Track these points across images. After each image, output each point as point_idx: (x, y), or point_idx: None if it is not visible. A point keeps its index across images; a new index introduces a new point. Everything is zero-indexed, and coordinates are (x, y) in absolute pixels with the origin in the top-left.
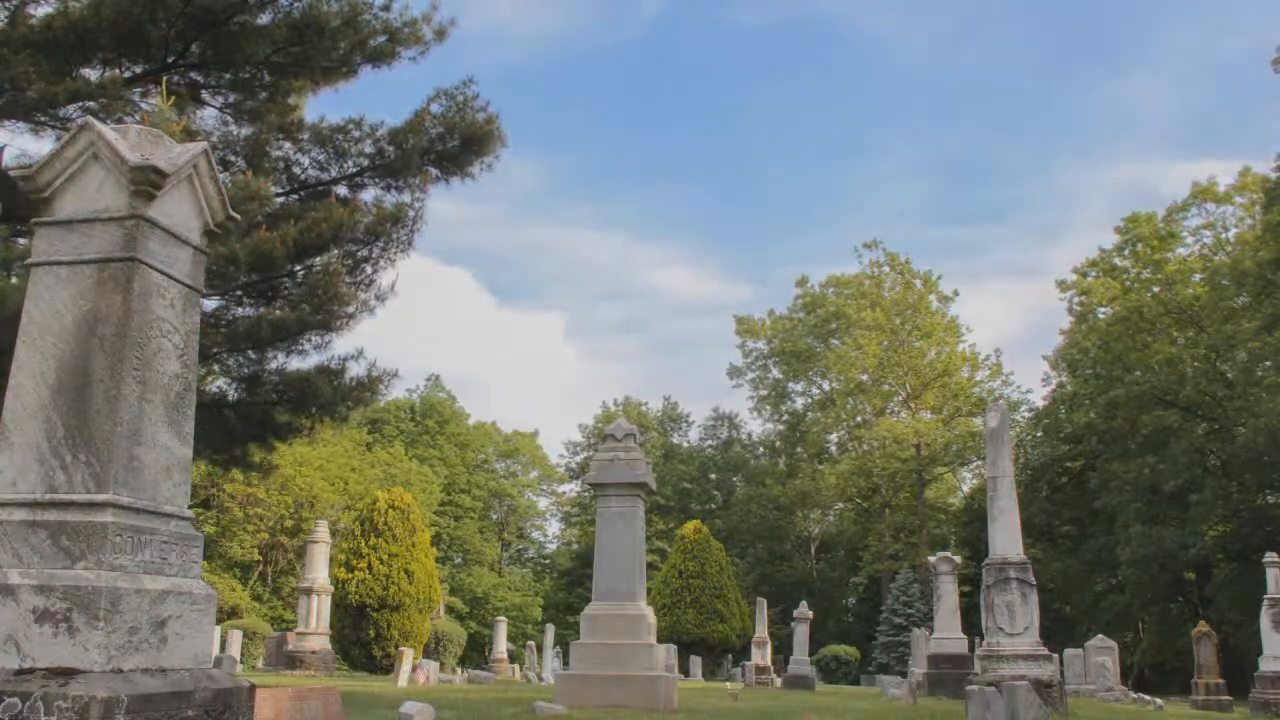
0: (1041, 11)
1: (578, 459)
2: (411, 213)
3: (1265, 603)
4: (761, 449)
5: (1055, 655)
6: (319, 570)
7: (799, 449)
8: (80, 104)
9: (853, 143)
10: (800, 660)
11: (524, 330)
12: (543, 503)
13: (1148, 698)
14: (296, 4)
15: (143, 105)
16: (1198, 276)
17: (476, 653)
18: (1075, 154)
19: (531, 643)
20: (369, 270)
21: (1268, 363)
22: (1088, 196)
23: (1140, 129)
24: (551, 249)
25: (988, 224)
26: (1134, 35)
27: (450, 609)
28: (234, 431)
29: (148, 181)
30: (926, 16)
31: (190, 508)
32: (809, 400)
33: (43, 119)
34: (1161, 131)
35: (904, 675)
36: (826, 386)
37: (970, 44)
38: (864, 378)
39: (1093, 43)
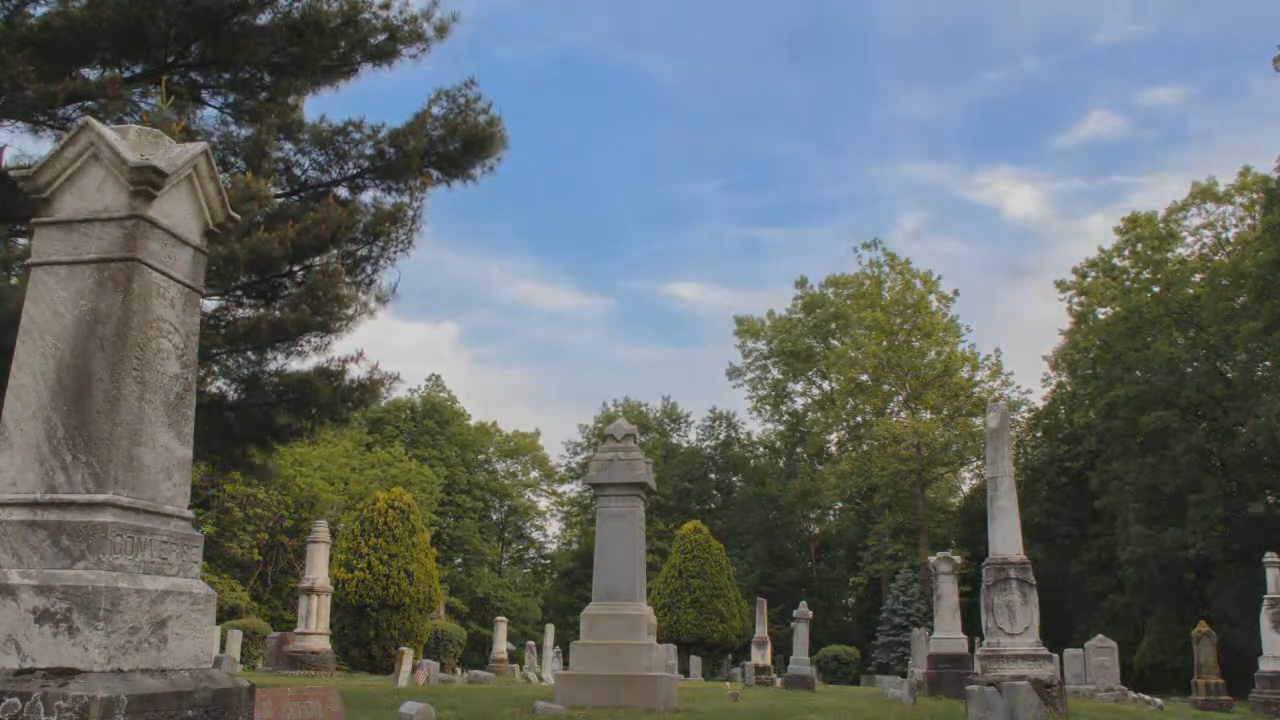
0: None
1: (578, 459)
2: (411, 213)
3: (1265, 603)
4: (761, 449)
5: (1055, 655)
6: (319, 570)
7: (799, 449)
8: (80, 104)
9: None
10: (800, 660)
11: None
12: (543, 503)
13: (1148, 698)
14: (296, 3)
15: (143, 105)
16: (1198, 277)
17: (476, 653)
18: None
19: (531, 643)
20: (369, 271)
21: (1268, 363)
22: None
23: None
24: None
25: None
26: None
27: (450, 609)
28: (234, 432)
29: (147, 182)
30: None
31: (190, 508)
32: (809, 400)
33: (42, 119)
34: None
35: (904, 675)
36: (826, 386)
37: None
38: (864, 378)
39: None
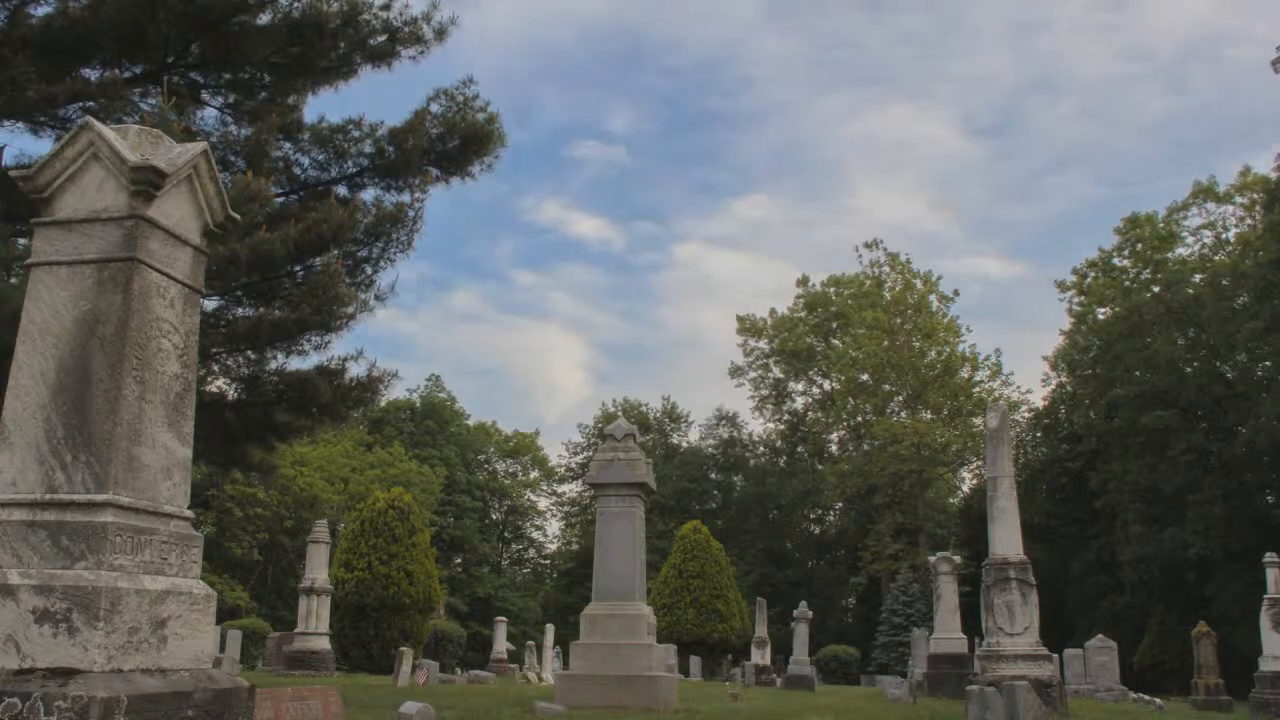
0: None
1: (578, 459)
2: (411, 213)
3: (1265, 603)
4: (762, 448)
5: (1055, 655)
6: (319, 570)
7: (799, 449)
8: (80, 104)
9: None
10: (800, 660)
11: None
12: (543, 503)
13: (1148, 698)
14: (296, 4)
15: (143, 105)
16: (1198, 277)
17: (476, 653)
18: None
19: (531, 643)
20: (369, 271)
21: (1268, 363)
22: None
23: None
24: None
25: None
26: None
27: (450, 609)
28: (234, 432)
29: (147, 181)
30: None
31: (190, 508)
32: (809, 400)
33: (43, 119)
34: None
35: (904, 675)
36: (827, 386)
37: None
38: (864, 378)
39: None
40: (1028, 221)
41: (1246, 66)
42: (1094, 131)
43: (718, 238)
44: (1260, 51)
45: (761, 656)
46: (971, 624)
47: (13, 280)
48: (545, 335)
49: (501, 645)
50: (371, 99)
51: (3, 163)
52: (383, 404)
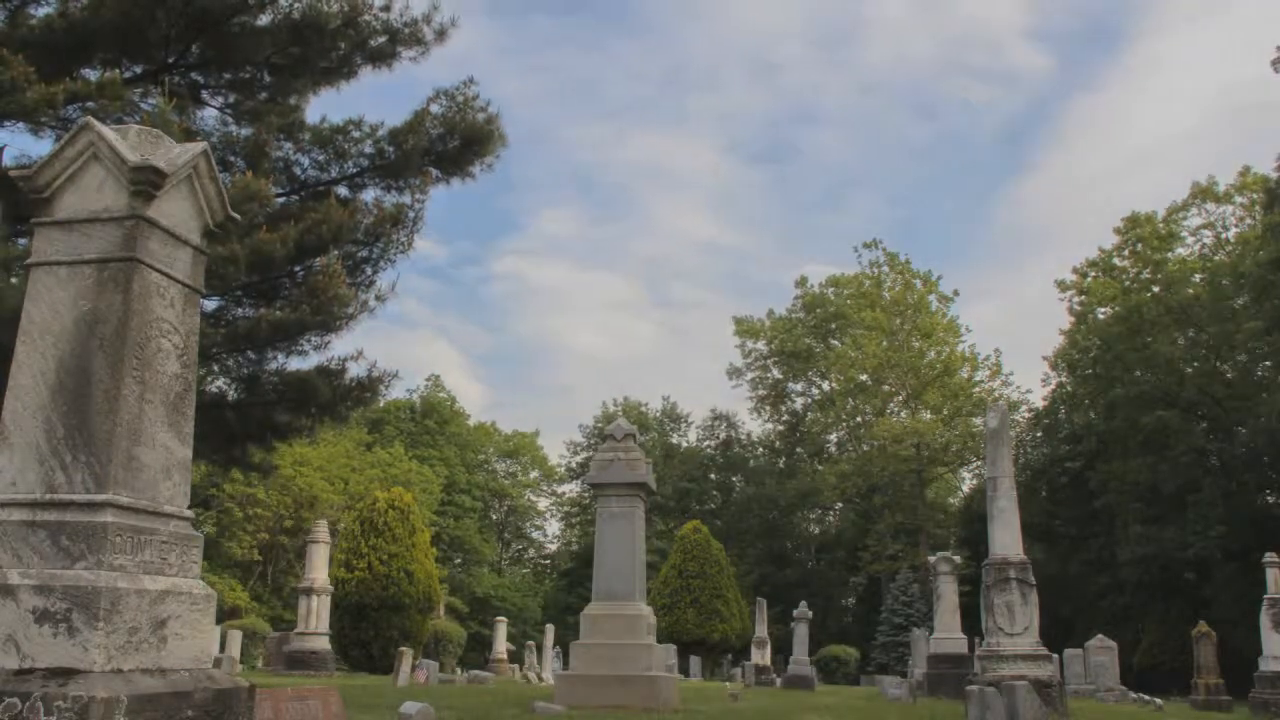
0: None
1: (578, 459)
2: (411, 213)
3: (1265, 603)
4: (761, 449)
5: (1055, 655)
6: (319, 570)
7: (799, 449)
8: (80, 104)
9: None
10: (800, 660)
11: None
12: (543, 503)
13: (1148, 698)
14: (296, 4)
15: (143, 105)
16: (1198, 277)
17: (476, 653)
18: None
19: (531, 643)
20: (369, 271)
21: (1268, 363)
22: None
23: None
24: None
25: None
26: None
27: (450, 609)
28: (234, 432)
29: (148, 182)
30: None
31: (190, 508)
32: (809, 400)
33: (43, 119)
34: None
35: (904, 675)
36: (826, 386)
37: None
38: (864, 378)
39: None
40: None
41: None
42: (858, 156)
43: (530, 250)
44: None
45: (761, 656)
46: (971, 624)
47: (13, 280)
48: (421, 343)
49: (501, 645)
50: (372, 99)
51: (3, 163)
52: (382, 404)
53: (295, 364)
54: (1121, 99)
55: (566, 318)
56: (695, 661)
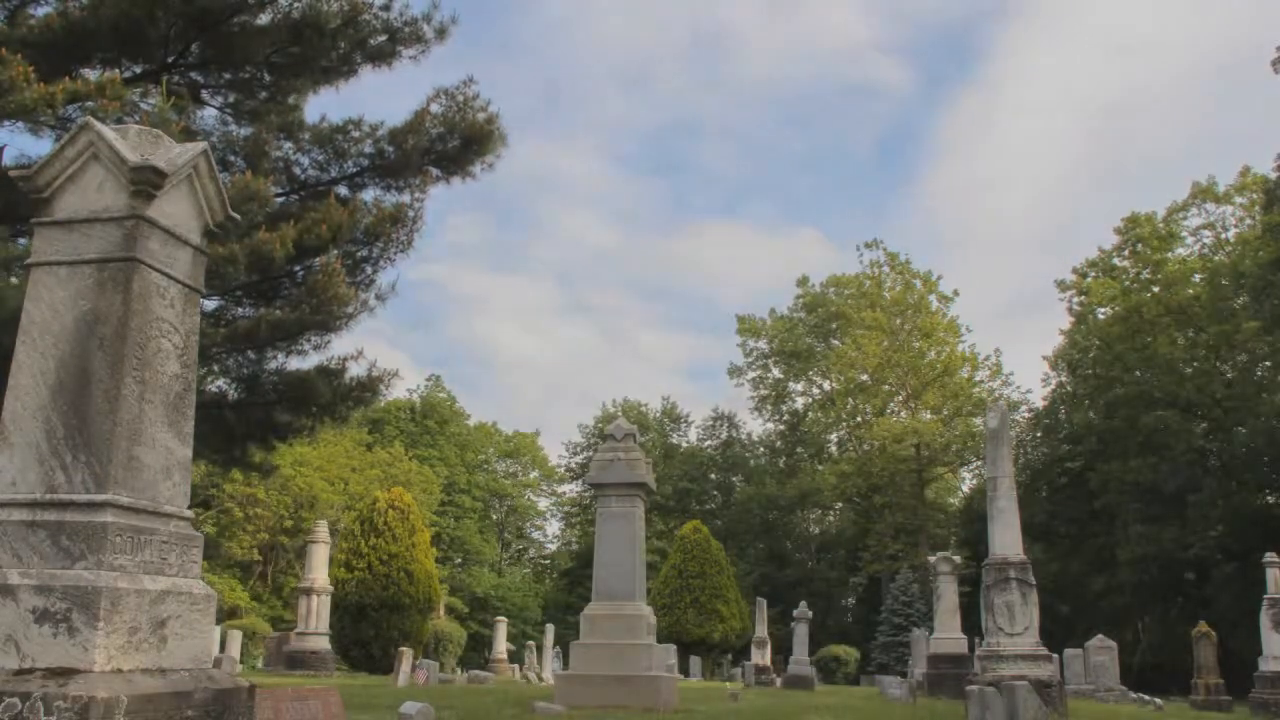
0: None
1: (578, 459)
2: (411, 213)
3: (1265, 603)
4: (761, 449)
5: (1055, 655)
6: (319, 570)
7: (799, 449)
8: (80, 104)
9: None
10: (800, 660)
11: None
12: (543, 503)
13: (1148, 698)
14: (296, 4)
15: (143, 105)
16: (1197, 277)
17: (476, 653)
18: None
19: (531, 643)
20: (369, 270)
21: (1267, 363)
22: None
23: None
24: None
25: None
26: None
27: (450, 609)
28: (234, 431)
29: (147, 181)
30: None
31: (190, 508)
32: (809, 400)
33: (42, 119)
34: None
35: (904, 675)
36: (826, 386)
37: None
38: (864, 378)
39: None
40: None
41: None
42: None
43: (440, 257)
44: None
45: (761, 656)
46: (971, 624)
47: (13, 280)
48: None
49: (501, 645)
50: (372, 99)
51: (3, 163)
52: (382, 404)
53: (295, 364)
54: (985, 109)
55: (493, 321)
56: (695, 661)
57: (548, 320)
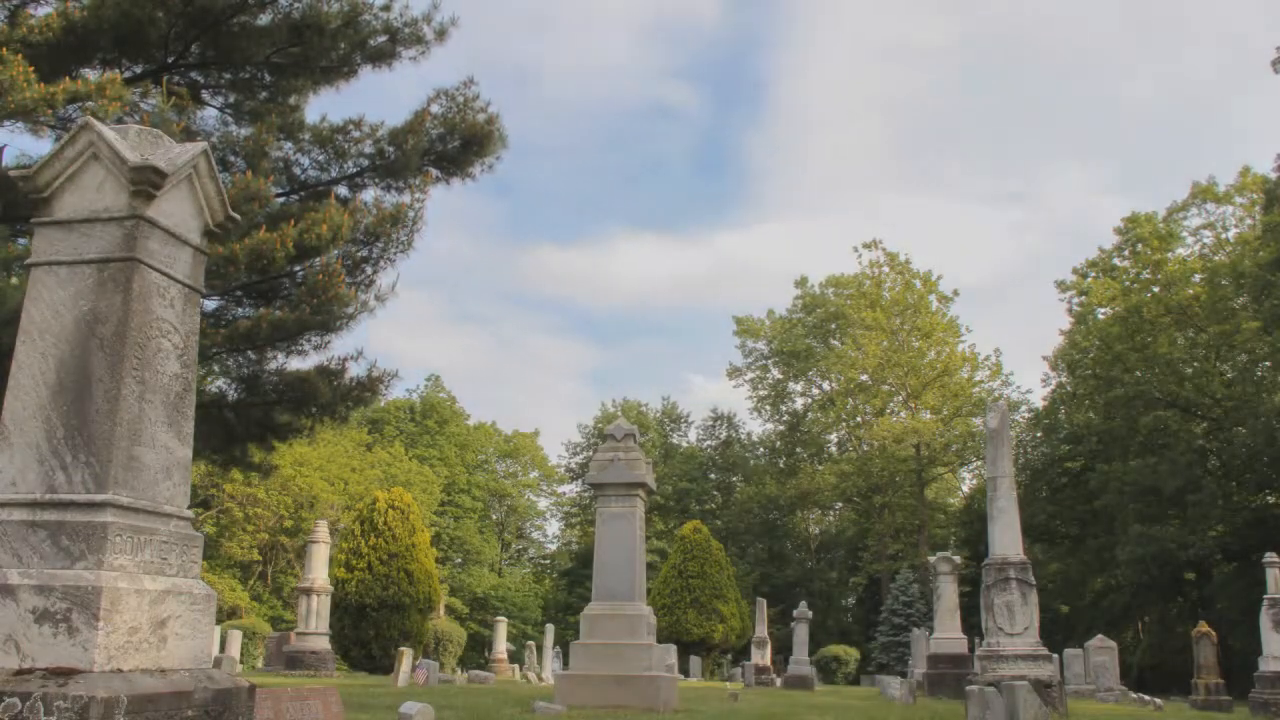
0: None
1: (578, 459)
2: (411, 213)
3: (1265, 603)
4: (761, 449)
5: (1055, 655)
6: (319, 570)
7: (799, 449)
8: (80, 104)
9: None
10: (800, 660)
11: None
12: (543, 503)
13: (1147, 698)
14: (296, 4)
15: (143, 105)
16: (1197, 277)
17: (476, 653)
18: None
19: (531, 643)
20: (369, 271)
21: (1267, 363)
22: None
23: None
24: None
25: None
26: None
27: (450, 609)
28: (234, 431)
29: (147, 181)
30: None
31: (190, 508)
32: (809, 400)
33: (42, 119)
34: None
35: (904, 675)
36: (826, 386)
37: None
38: (864, 378)
39: None
40: None
41: None
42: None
43: None
44: None
45: (761, 656)
46: (971, 624)
47: (13, 280)
48: None
49: (501, 645)
50: (372, 99)
51: (3, 163)
52: (382, 404)
53: (295, 364)
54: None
55: (393, 331)
56: (695, 661)
57: (440, 327)
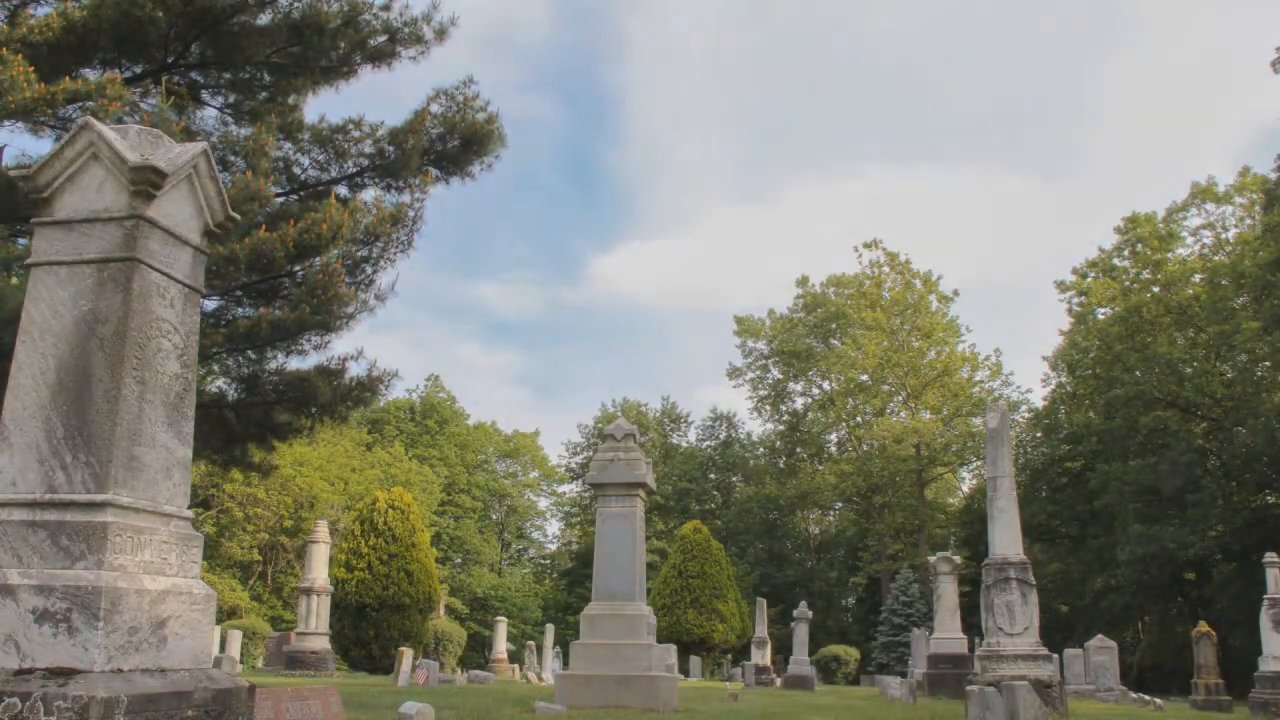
0: None
1: (578, 459)
2: (411, 213)
3: (1265, 603)
4: (761, 449)
5: (1055, 655)
6: (319, 570)
7: (799, 449)
8: (80, 104)
9: None
10: (800, 660)
11: None
12: (543, 503)
13: (1148, 698)
14: (296, 4)
15: (143, 105)
16: (1197, 277)
17: (476, 653)
18: None
19: (531, 643)
20: (369, 270)
21: (1267, 363)
22: None
23: None
24: None
25: None
26: None
27: (450, 609)
28: (234, 431)
29: (147, 181)
30: None
31: (190, 508)
32: (809, 400)
33: (42, 119)
34: None
35: (904, 675)
36: (826, 386)
37: None
38: (864, 378)
39: None
40: None
41: None
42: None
43: None
44: None
45: (761, 656)
46: (971, 624)
47: (13, 280)
48: None
49: (501, 645)
50: (373, 99)
51: (3, 163)
52: (382, 404)
53: (295, 364)
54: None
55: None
56: (695, 661)
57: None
